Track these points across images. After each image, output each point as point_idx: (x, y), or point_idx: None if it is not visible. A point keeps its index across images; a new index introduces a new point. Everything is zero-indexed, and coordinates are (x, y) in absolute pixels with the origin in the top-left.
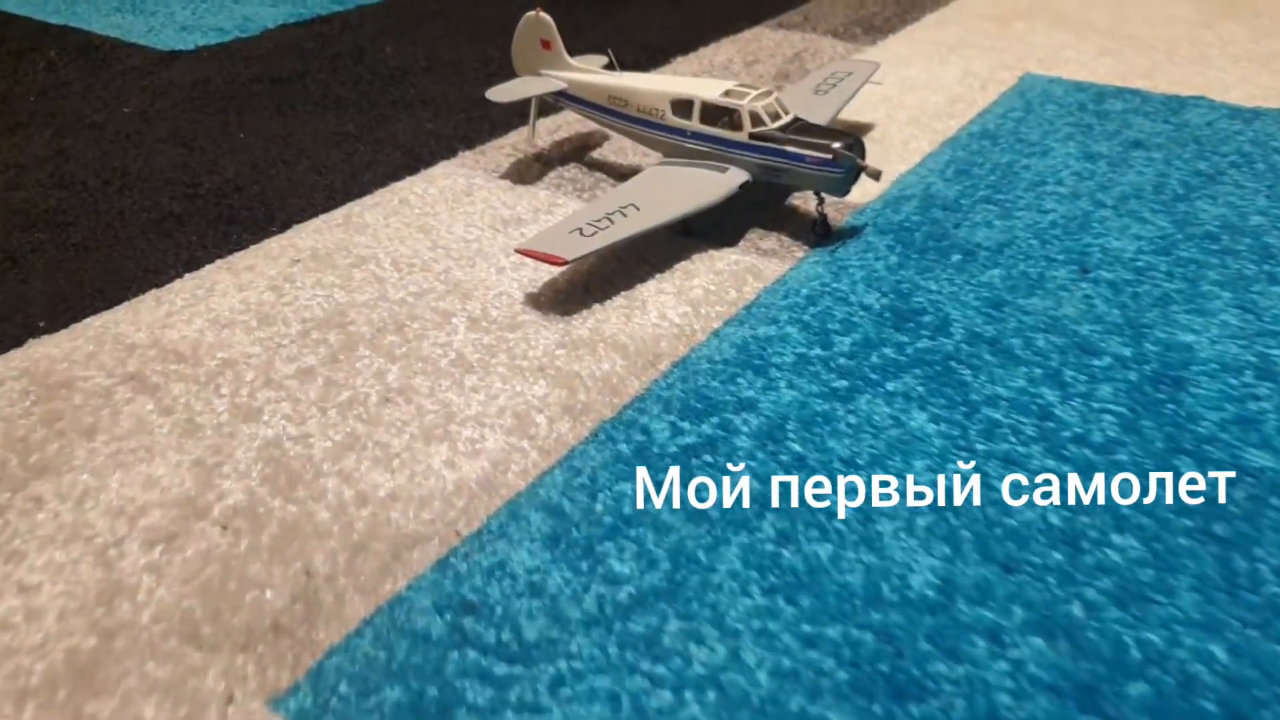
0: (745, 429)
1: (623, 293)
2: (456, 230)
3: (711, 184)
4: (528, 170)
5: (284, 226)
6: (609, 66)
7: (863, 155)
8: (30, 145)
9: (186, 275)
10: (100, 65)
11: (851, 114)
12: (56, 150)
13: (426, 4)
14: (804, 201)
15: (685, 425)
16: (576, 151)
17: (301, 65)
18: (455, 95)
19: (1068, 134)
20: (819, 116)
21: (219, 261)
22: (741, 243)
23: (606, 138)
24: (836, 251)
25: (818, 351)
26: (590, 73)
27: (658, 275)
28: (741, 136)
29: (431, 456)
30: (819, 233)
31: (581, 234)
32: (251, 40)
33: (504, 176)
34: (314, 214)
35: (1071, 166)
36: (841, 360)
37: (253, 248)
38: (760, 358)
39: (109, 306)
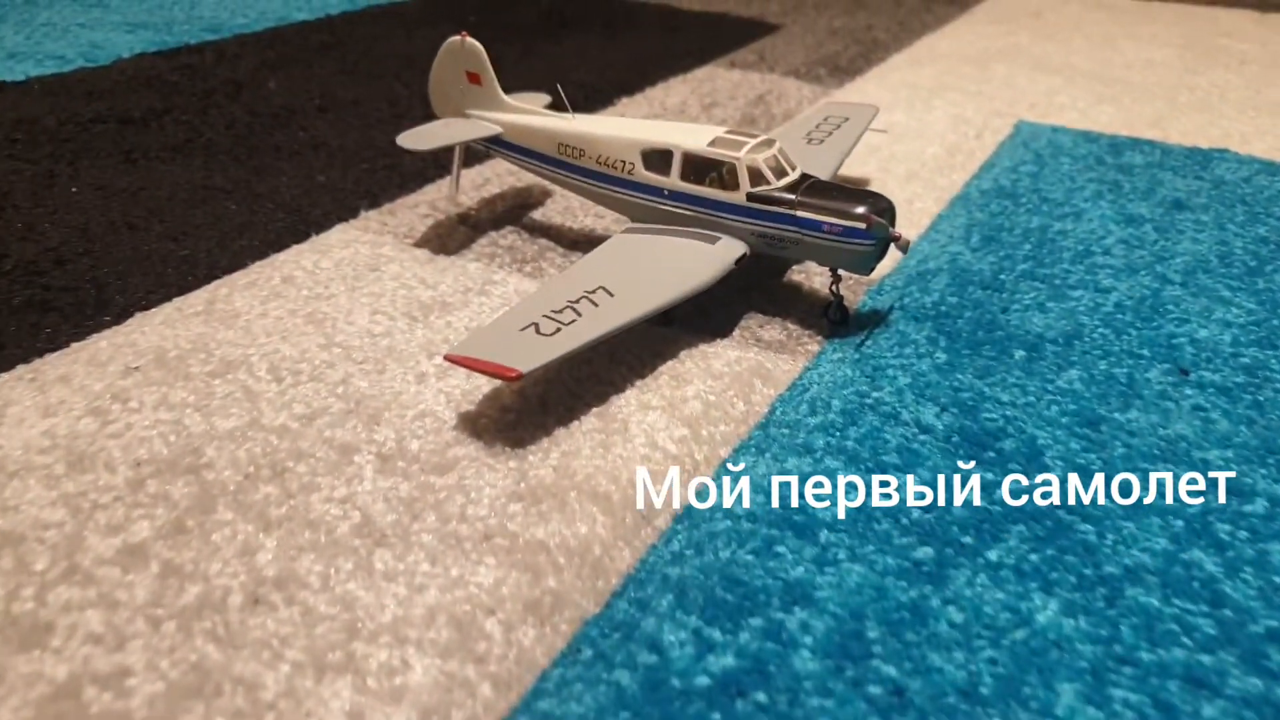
0: (806, 639)
1: (594, 409)
2: (359, 320)
3: (700, 260)
4: (451, 236)
5: (120, 316)
6: (554, 106)
7: (893, 221)
8: None
9: None
10: None
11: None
12: None
13: (318, 35)
14: (808, 276)
15: (715, 634)
16: (513, 212)
17: (161, 103)
18: (355, 141)
19: (1095, 192)
20: (820, 174)
21: (19, 369)
22: (736, 332)
23: (549, 193)
24: (865, 345)
25: (879, 499)
26: (532, 114)
27: (638, 381)
28: (737, 198)
29: (326, 704)
30: (834, 318)
31: (538, 331)
32: (98, 71)
33: (420, 244)
34: (164, 298)
35: (1114, 232)
36: (915, 513)
37: (73, 348)
38: (802, 511)
39: None
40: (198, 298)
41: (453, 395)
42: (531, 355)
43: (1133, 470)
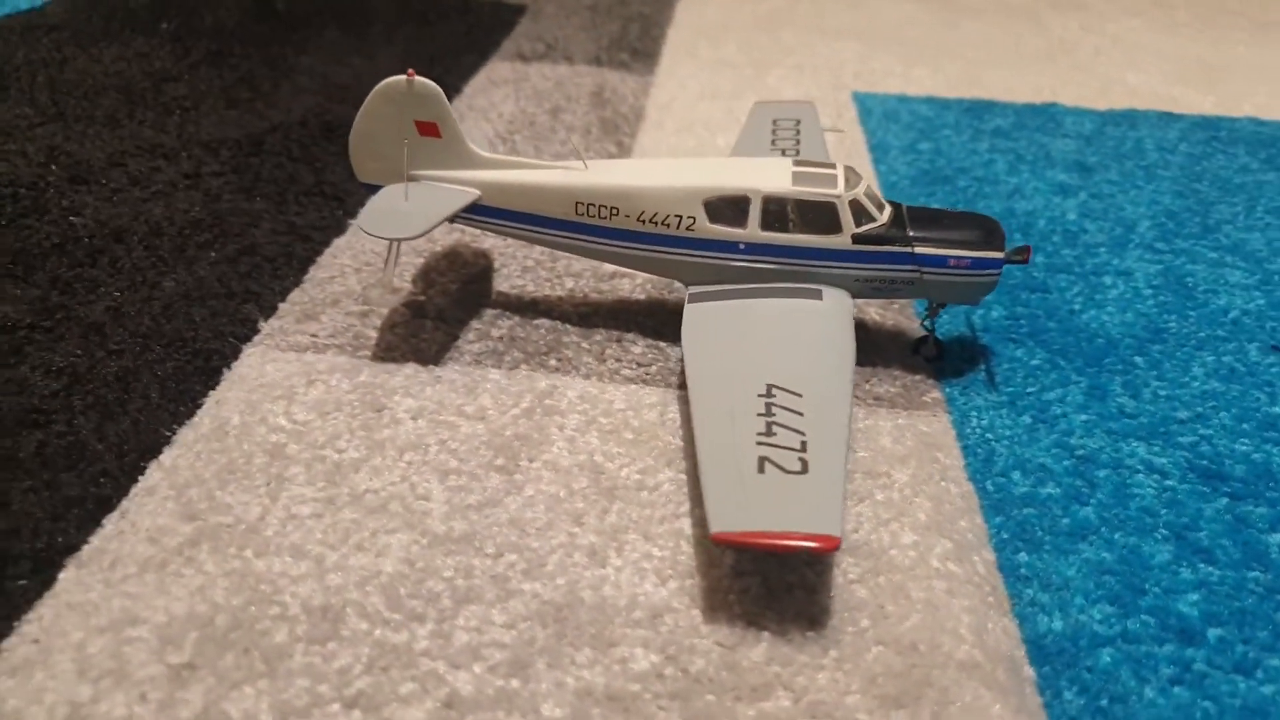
0: None
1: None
2: (434, 493)
3: (825, 321)
4: (418, 337)
5: (37, 573)
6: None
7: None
8: None
9: None
10: None
11: None
12: None
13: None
14: (860, 308)
15: None
16: (468, 289)
17: None
18: (163, 216)
19: (1008, 164)
20: None
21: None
22: None
23: (488, 251)
24: (995, 385)
25: (1205, 568)
26: (526, 167)
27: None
28: (841, 241)
29: None
30: (929, 355)
31: (786, 471)
32: None
33: (393, 357)
34: (83, 524)
35: (1063, 205)
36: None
37: (13, 644)
38: (1162, 610)
39: None
40: (159, 515)
41: (660, 571)
42: (820, 506)
43: None
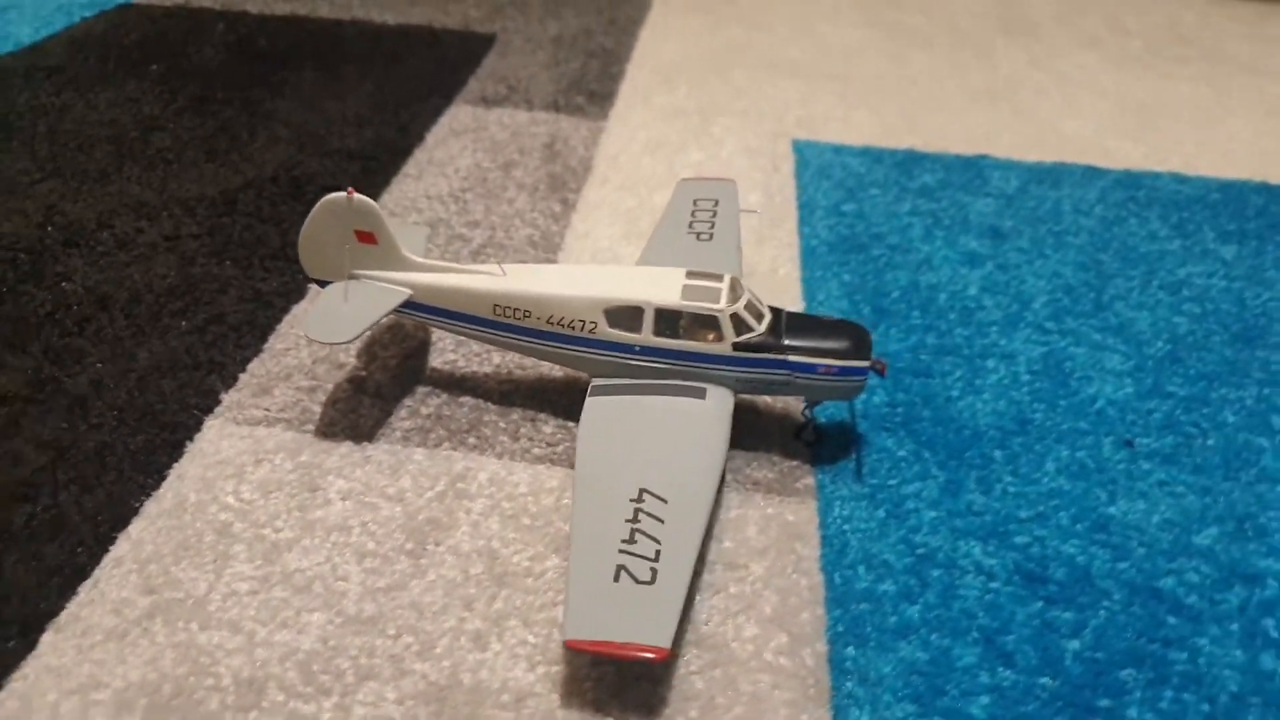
0: None
1: (685, 637)
2: (352, 575)
3: (705, 421)
4: (357, 413)
5: (23, 633)
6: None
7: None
8: None
9: None
10: None
11: None
12: None
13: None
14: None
15: None
16: (406, 365)
17: None
18: (142, 283)
19: (925, 229)
20: (729, 270)
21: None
22: (729, 476)
23: (429, 332)
24: (861, 476)
25: (1004, 674)
26: (449, 271)
27: (708, 577)
28: (722, 348)
29: None
30: (809, 440)
31: (636, 580)
32: None
33: (331, 435)
34: (60, 591)
35: (967, 277)
36: (1041, 679)
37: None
38: (953, 712)
39: None
40: (123, 586)
41: (531, 658)
42: (660, 617)
43: (1165, 574)
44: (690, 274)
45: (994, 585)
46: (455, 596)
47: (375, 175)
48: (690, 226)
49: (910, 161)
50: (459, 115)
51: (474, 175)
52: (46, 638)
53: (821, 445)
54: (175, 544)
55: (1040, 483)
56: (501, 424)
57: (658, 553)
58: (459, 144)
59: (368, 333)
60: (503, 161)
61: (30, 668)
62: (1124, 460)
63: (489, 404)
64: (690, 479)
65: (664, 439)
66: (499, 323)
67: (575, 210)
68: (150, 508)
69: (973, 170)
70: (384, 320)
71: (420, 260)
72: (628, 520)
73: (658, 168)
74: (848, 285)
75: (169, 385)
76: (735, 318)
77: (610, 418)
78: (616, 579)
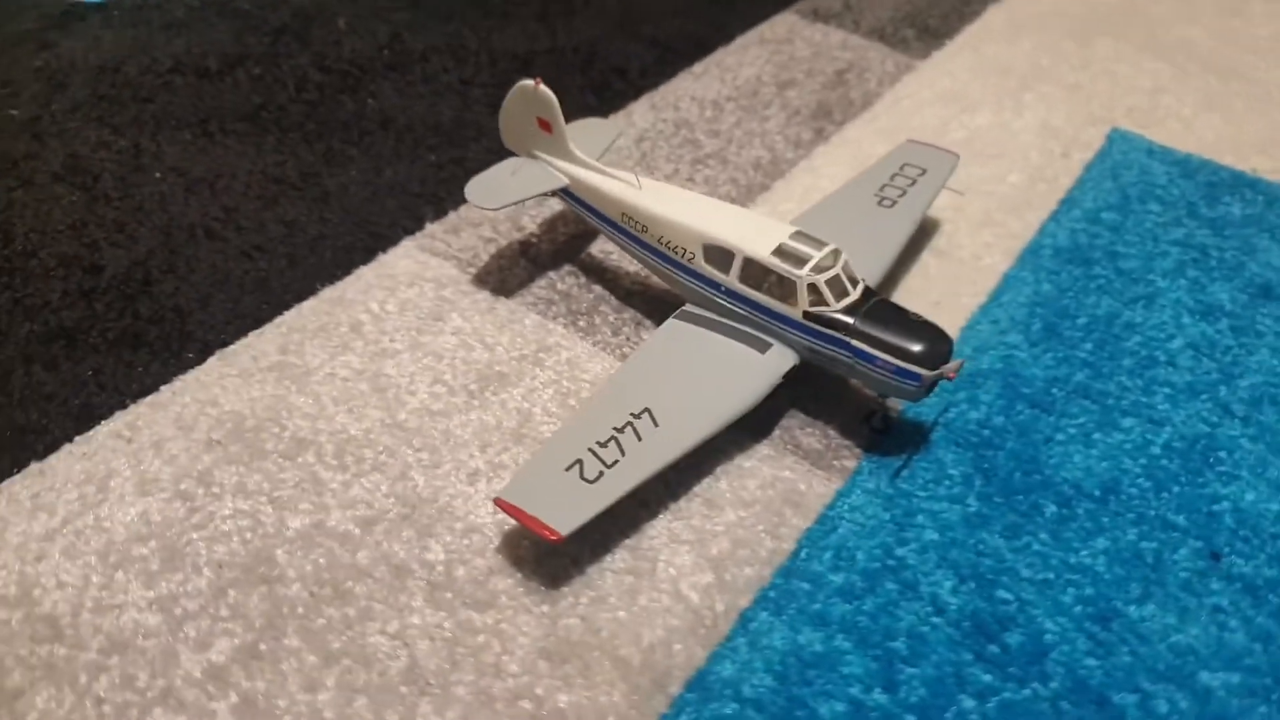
0: None
1: (626, 540)
2: (420, 391)
3: (749, 375)
4: (511, 271)
5: (202, 354)
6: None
7: (949, 356)
8: None
9: (72, 443)
10: None
11: None
12: None
13: None
14: None
15: None
16: (572, 244)
17: (236, 46)
18: (422, 116)
19: (1178, 263)
20: (883, 248)
21: (118, 418)
22: (777, 433)
23: None
24: (900, 477)
25: (878, 696)
26: (598, 172)
27: (671, 504)
28: (794, 312)
29: None
30: (876, 427)
31: (582, 476)
32: None
33: (481, 281)
34: (240, 330)
35: (1186, 329)
36: (909, 718)
37: (163, 391)
38: (802, 702)
39: None
40: (270, 337)
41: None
42: (574, 510)
43: (1134, 692)
44: (795, 234)
45: (935, 620)
46: (478, 438)
47: (664, 66)
48: (881, 189)
49: (1226, 185)
50: (778, 24)
51: (747, 87)
52: (211, 361)
53: (886, 436)
54: (318, 325)
55: (1074, 554)
56: (611, 318)
57: (615, 462)
58: (756, 53)
59: (514, 206)
60: (784, 80)
61: (187, 378)
62: (1192, 569)
63: (611, 297)
64: (692, 417)
65: (701, 374)
66: (623, 229)
67: (825, 143)
68: (325, 292)
69: None
70: (548, 201)
71: (581, 155)
72: (614, 427)
73: (935, 121)
74: (1040, 295)
75: (392, 204)
76: (812, 287)
77: (673, 339)
78: (569, 469)
